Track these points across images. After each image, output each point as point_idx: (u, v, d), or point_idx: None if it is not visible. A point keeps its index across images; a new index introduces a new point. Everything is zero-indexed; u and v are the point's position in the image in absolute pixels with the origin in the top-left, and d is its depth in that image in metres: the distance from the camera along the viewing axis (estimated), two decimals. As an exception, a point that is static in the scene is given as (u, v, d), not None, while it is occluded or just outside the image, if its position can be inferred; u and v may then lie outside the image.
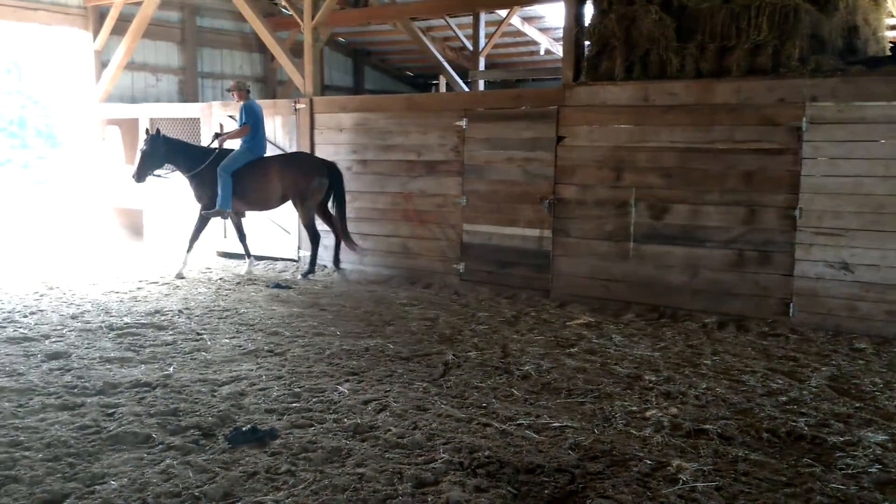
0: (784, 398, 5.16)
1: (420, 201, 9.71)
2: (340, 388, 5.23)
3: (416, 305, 8.13)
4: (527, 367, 5.81)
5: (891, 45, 8.34)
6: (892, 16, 10.18)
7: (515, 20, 14.08)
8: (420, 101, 9.85)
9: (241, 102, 9.86)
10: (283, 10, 14.31)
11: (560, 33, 11.95)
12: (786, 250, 7.47)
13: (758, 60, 7.70)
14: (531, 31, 14.88)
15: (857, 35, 8.35)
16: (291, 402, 4.93)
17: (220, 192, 9.58)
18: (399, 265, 9.94)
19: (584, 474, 3.82)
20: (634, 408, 4.89)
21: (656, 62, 8.15)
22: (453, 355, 6.12)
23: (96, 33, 12.85)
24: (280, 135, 10.94)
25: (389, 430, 4.45)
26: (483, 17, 13.64)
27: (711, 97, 7.78)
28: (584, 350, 6.42)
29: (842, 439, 4.30)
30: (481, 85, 13.85)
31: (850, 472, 3.84)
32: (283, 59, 11.05)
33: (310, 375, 5.55)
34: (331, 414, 4.73)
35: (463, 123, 9.25)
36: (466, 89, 13.73)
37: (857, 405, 5.07)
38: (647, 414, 4.75)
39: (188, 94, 14.49)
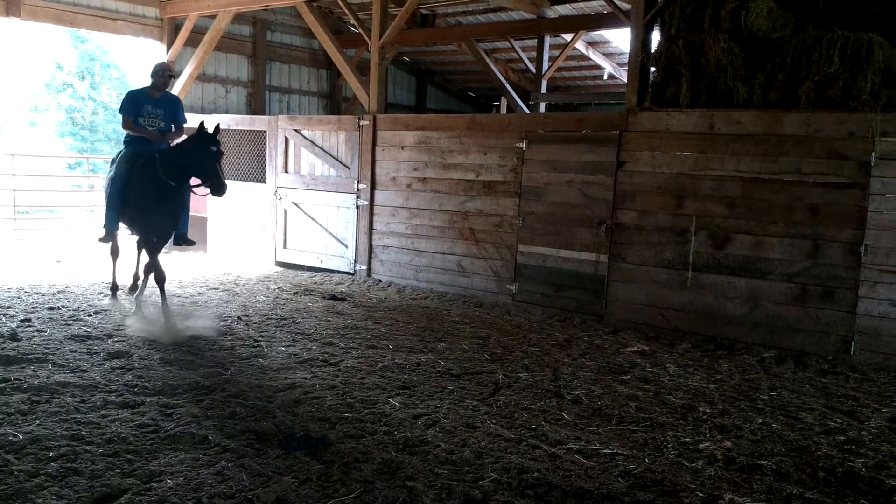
0: (842, 437, 5.03)
1: (477, 220, 9.77)
2: (392, 401, 5.29)
3: (468, 324, 8.17)
4: (578, 392, 5.78)
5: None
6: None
7: (580, 44, 14.10)
8: (481, 121, 9.94)
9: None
10: (352, 27, 14.63)
11: (625, 58, 11.94)
12: (849, 287, 7.29)
13: (828, 93, 7.57)
14: (595, 56, 14.88)
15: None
16: (344, 413, 5.01)
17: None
18: (453, 283, 10.00)
19: (634, 502, 3.79)
20: (687, 439, 4.83)
21: (723, 90, 8.09)
22: (503, 375, 6.13)
23: (170, 44, 13.30)
24: (343, 150, 11.13)
25: (439, 445, 4.48)
26: (547, 40, 13.70)
27: (779, 128, 7.66)
28: (637, 378, 6.36)
29: (903, 484, 4.18)
30: (542, 107, 13.89)
31: (910, 517, 3.73)
32: (349, 75, 11.27)
33: (362, 387, 5.62)
34: (382, 426, 4.79)
35: (523, 145, 9.29)
36: (527, 111, 13.78)
37: (921, 450, 4.91)
38: (701, 446, 4.69)
39: (256, 106, 14.86)
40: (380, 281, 10.48)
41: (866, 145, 7.20)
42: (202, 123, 7.32)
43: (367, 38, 10.96)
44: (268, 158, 11.96)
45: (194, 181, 7.50)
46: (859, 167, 7.23)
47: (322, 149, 11.32)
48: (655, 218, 8.33)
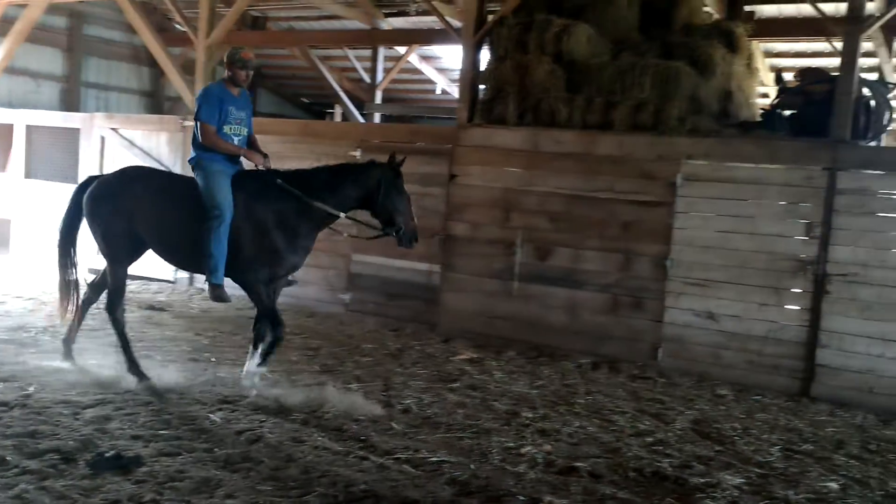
0: (651, 439, 5.38)
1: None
2: (213, 417, 5.06)
3: (298, 334, 8.00)
4: (408, 401, 5.81)
5: (761, 111, 8.97)
6: (764, 84, 11.00)
7: (413, 58, 14.28)
8: (316, 128, 9.81)
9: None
10: (178, 25, 13.97)
11: (456, 74, 12.22)
12: (657, 297, 7.84)
13: (640, 117, 8.13)
14: (428, 70, 15.13)
15: (731, 100, 8.96)
16: (160, 429, 4.74)
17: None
18: (284, 292, 9.72)
19: (459, 509, 3.85)
20: (511, 444, 4.98)
21: (547, 111, 8.48)
22: (334, 387, 6.04)
23: (-26, 33, 12.11)
24: (165, 152, 10.59)
25: (263, 461, 4.34)
26: (382, 51, 13.77)
27: (596, 148, 8.13)
28: (466, 385, 6.49)
29: (702, 480, 4.52)
30: (377, 118, 13.93)
31: (709, 511, 4.04)
32: (173, 75, 10.78)
33: (181, 402, 5.34)
34: (202, 443, 4.57)
35: (358, 154, 9.26)
36: (362, 120, 13.77)
37: (718, 448, 5.35)
38: (523, 450, 4.85)
39: (71, 103, 13.83)
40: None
41: (673, 167, 7.78)
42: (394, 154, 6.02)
43: (193, 38, 10.52)
44: (81, 158, 11.14)
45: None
46: (667, 187, 7.80)
47: (142, 150, 10.70)
48: (485, 230, 8.57)
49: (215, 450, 4.45)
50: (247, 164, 6.18)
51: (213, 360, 6.63)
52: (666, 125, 7.97)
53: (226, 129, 5.87)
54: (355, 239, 9.14)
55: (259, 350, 5.79)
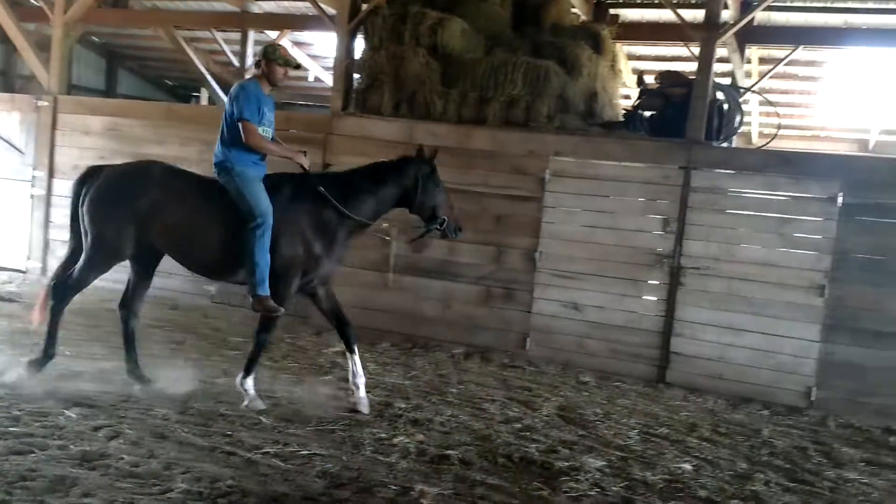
0: (519, 426, 5.53)
1: (174, 217, 9.23)
2: (68, 413, 4.77)
3: (161, 327, 7.67)
4: (278, 395, 5.69)
5: (624, 111, 9.39)
6: (626, 86, 11.51)
7: (285, 42, 13.95)
8: (181, 111, 9.43)
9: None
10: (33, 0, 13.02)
11: (330, 62, 12.04)
12: (527, 289, 8.07)
13: (512, 113, 8.33)
14: (301, 56, 14.82)
15: (596, 100, 9.33)
16: (9, 427, 4.41)
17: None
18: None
19: (331, 502, 3.81)
20: (384, 434, 4.98)
21: (422, 103, 8.53)
22: (200, 381, 5.84)
23: None
24: (17, 133, 9.87)
25: (122, 458, 4.13)
26: (252, 35, 13.38)
27: (470, 142, 8.26)
28: (339, 378, 6.44)
29: (567, 464, 4.69)
30: (247, 104, 13.52)
31: (573, 494, 4.19)
32: (26, 51, 10.10)
33: (33, 398, 5.00)
34: (56, 440, 4.29)
35: (226, 140, 8.96)
36: (231, 106, 13.32)
37: (581, 433, 5.58)
38: (395, 440, 4.86)
39: None
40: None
41: (542, 163, 8.02)
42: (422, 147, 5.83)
43: (49, 13, 9.86)
44: (-82, 137, 10.20)
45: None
46: (537, 182, 8.03)
47: (-10, 130, 9.94)
48: (357, 221, 8.51)
49: (70, 447, 4.19)
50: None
51: (67, 353, 6.23)
52: (536, 122, 8.20)
53: (261, 130, 5.49)
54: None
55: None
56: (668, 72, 9.11)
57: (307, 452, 4.50)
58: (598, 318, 7.91)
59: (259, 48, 5.69)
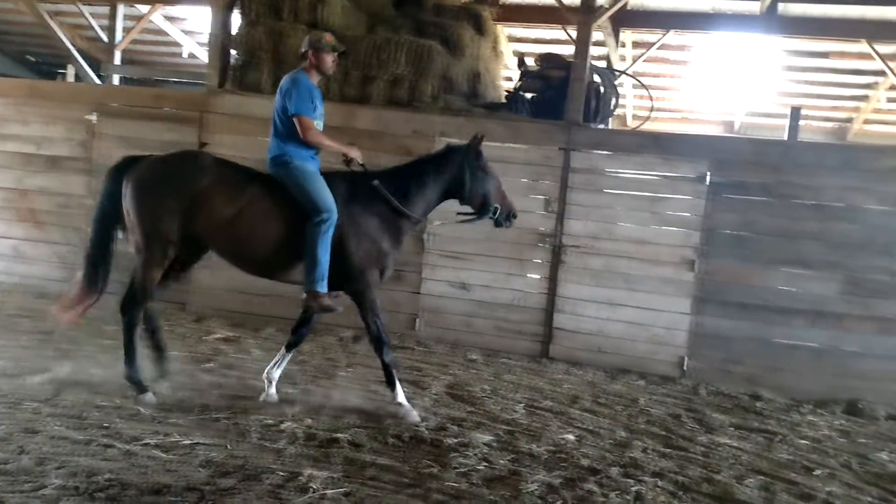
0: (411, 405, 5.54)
1: (39, 200, 8.67)
2: (-76, 414, 4.42)
3: (29, 317, 7.22)
4: (157, 384, 5.47)
5: (506, 93, 9.52)
6: (508, 68, 11.67)
7: (157, 17, 13.31)
8: (44, 88, 8.85)
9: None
10: None
11: (205, 38, 11.59)
12: (416, 270, 8.09)
13: (396, 92, 8.28)
14: (174, 32, 14.19)
15: (479, 81, 9.41)
16: None
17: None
18: (10, 271, 8.76)
19: (216, 491, 3.70)
20: (270, 421, 4.87)
21: (303, 81, 8.32)
22: (71, 371, 5.53)
23: None
24: None
25: (-12, 457, 3.86)
26: (122, 8, 12.69)
27: (355, 121, 8.17)
28: (222, 365, 6.26)
29: (456, 441, 4.74)
30: (116, 80, 12.83)
31: (462, 470, 4.24)
32: None
33: None
34: None
35: (94, 118, 8.49)
36: (99, 82, 12.62)
37: (470, 409, 5.66)
38: (283, 426, 4.77)
39: None
40: None
41: (428, 143, 8.02)
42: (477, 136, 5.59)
43: None
44: None
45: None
46: (422, 161, 8.01)
47: None
48: (239, 203, 8.26)
49: (-74, 451, 3.88)
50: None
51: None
52: (421, 102, 8.19)
53: (315, 124, 5.30)
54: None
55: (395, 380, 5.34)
56: (548, 54, 9.29)
57: (190, 442, 4.35)
58: (485, 297, 8.03)
59: (307, 38, 5.44)
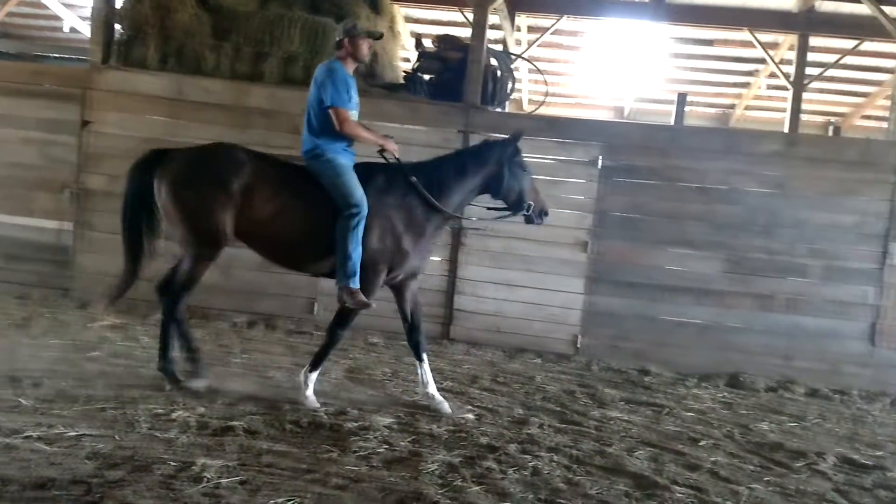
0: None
1: None
2: None
3: None
4: (38, 375, 5.18)
5: (404, 74, 9.46)
6: (406, 48, 11.60)
7: (36, -11, 12.54)
8: None
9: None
10: None
11: (88, 11, 10.98)
12: (312, 252, 7.94)
13: (291, 70, 8.09)
14: (54, 4, 13.40)
15: (376, 61, 9.30)
16: None
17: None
18: None
19: (103, 483, 3.54)
20: (161, 410, 4.70)
21: (192, 56, 8.08)
22: (-59, 365, 5.17)
23: None
24: None
25: None
26: (-8, -21, 11.87)
27: (247, 99, 7.94)
28: (108, 354, 6.00)
29: (356, 424, 4.70)
30: (-10, 54, 12.00)
31: (362, 453, 4.21)
32: None
33: None
34: None
35: (-37, 94, 7.93)
36: (-30, 56, 11.77)
37: (371, 393, 5.64)
38: (174, 415, 4.60)
39: None
40: None
41: (324, 123, 7.87)
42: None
43: None
44: None
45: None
46: (319, 142, 7.87)
47: None
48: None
49: None
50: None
51: None
52: (316, 80, 8.02)
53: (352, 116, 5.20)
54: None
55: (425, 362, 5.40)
56: (446, 36, 9.28)
57: (75, 433, 4.14)
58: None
59: (341, 26, 5.32)
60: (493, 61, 8.81)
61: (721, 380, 7.55)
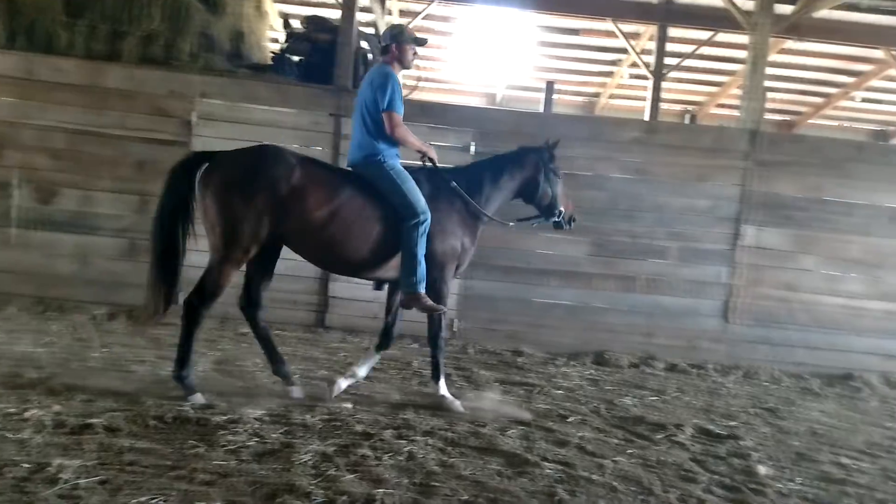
0: (172, 385, 5.21)
1: None
2: None
3: None
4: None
5: (272, 55, 9.21)
6: (274, 28, 11.29)
7: None
8: None
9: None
10: None
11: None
12: (178, 240, 7.63)
13: (151, 50, 7.75)
14: None
15: (243, 41, 9.02)
16: None
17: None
18: None
19: (-57, 494, 3.27)
20: (13, 409, 4.38)
21: (43, 34, 7.58)
22: None
23: None
24: None
25: None
26: None
27: (104, 80, 7.52)
28: (-52, 352, 5.53)
29: (225, 418, 4.55)
30: None
31: (231, 447, 4.08)
32: None
33: None
34: None
35: None
36: None
37: (240, 385, 5.48)
38: (27, 414, 4.31)
39: None
40: None
41: (188, 105, 7.59)
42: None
43: None
44: None
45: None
46: (183, 125, 7.59)
47: None
48: (-33, 169, 7.34)
49: None
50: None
51: None
52: (179, 60, 7.71)
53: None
54: None
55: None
56: (314, 17, 9.11)
57: None
58: (255, 267, 7.77)
59: (388, 31, 5.32)
60: (364, 44, 8.73)
61: (588, 358, 7.85)
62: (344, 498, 3.48)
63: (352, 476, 3.80)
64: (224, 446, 4.09)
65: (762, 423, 5.97)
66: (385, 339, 5.57)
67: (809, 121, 15.67)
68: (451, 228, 5.33)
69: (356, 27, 8.11)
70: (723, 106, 15.57)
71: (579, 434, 5.02)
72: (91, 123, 7.47)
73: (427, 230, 5.10)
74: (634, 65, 12.81)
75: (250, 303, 5.30)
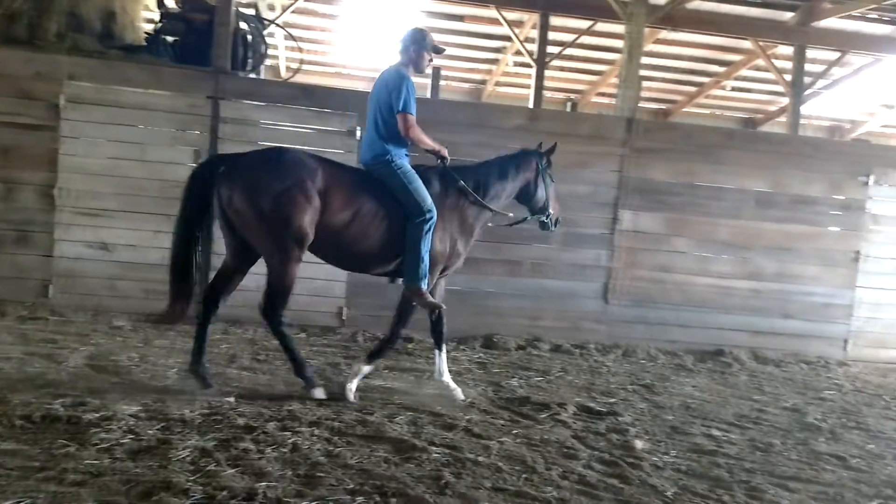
0: (41, 382, 4.97)
1: None
2: None
3: None
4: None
5: (146, 35, 8.80)
6: (149, 9, 10.79)
7: None
8: None
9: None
10: None
11: None
12: (46, 230, 7.26)
13: (13, 29, 7.30)
14: None
15: (115, 21, 8.57)
16: None
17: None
18: None
19: None
20: None
21: None
22: None
23: None
24: None
25: None
26: None
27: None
28: None
29: (97, 415, 4.33)
30: None
31: (104, 445, 3.89)
32: None
33: None
34: None
35: None
36: None
37: (115, 380, 5.24)
38: None
39: None
40: None
41: (55, 87, 7.18)
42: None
43: None
44: None
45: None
46: (49, 109, 7.19)
47: None
48: None
49: None
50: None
51: None
52: (44, 40, 7.26)
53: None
54: None
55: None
56: (190, -5, 8.75)
57: None
58: (131, 257, 7.46)
59: (407, 34, 5.40)
60: (244, 25, 8.46)
61: (477, 342, 7.96)
62: (224, 493, 3.39)
63: (233, 470, 3.70)
64: (96, 445, 3.91)
65: (639, 399, 6.23)
66: (436, 336, 5.72)
67: (684, 109, 16.35)
68: (450, 231, 5.50)
69: (234, 7, 7.84)
70: (603, 94, 16.03)
71: (467, 417, 5.08)
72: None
73: (433, 227, 5.28)
74: (518, 52, 12.98)
75: (212, 300, 5.25)
